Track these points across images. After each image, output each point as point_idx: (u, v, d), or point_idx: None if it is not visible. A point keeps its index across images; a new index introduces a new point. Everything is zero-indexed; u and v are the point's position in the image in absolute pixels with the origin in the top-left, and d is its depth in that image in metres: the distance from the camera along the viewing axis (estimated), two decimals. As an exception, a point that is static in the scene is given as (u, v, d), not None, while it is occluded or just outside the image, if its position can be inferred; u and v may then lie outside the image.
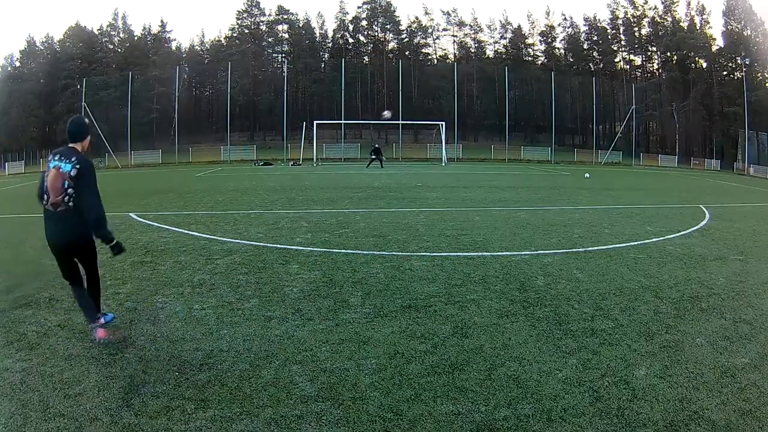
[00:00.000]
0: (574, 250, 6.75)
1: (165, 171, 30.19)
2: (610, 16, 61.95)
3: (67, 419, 2.61)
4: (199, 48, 66.94)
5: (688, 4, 56.39)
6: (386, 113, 35.20)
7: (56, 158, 3.43)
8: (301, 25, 64.53)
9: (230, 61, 49.47)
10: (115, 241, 3.53)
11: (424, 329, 3.88)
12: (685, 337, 3.76)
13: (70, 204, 3.39)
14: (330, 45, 65.63)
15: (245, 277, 5.28)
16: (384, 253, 6.45)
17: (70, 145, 3.53)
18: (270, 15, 63.75)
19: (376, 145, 31.82)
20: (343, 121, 46.15)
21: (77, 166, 3.38)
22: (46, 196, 3.42)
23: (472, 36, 65.10)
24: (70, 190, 3.37)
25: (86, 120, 3.79)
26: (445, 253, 6.46)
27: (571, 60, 63.78)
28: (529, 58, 64.52)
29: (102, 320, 3.71)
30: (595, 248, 6.85)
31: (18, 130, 49.31)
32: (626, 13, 61.04)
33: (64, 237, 3.49)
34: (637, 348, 3.56)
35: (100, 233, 3.47)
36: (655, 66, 60.04)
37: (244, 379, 3.07)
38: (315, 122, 36.78)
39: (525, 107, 58.99)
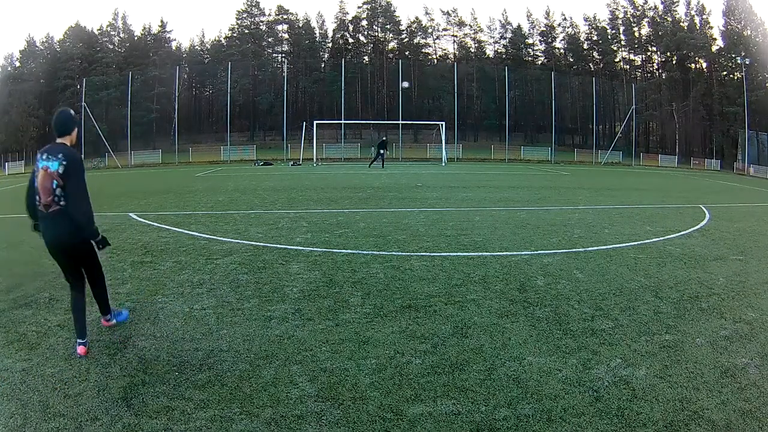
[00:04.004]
0: (574, 250, 6.75)
1: (165, 171, 30.17)
2: (610, 16, 62.01)
3: (67, 419, 2.61)
4: (199, 48, 66.98)
5: (688, 4, 56.30)
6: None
7: (44, 157, 3.34)
8: (301, 25, 64.57)
9: (230, 61, 49.46)
10: (100, 236, 3.45)
11: (424, 329, 3.88)
12: (685, 337, 3.76)
13: (62, 203, 3.31)
14: (330, 45, 65.66)
15: (245, 277, 5.28)
16: (384, 253, 6.44)
17: (58, 140, 3.44)
18: (270, 15, 63.89)
19: (384, 138, 30.27)
20: (343, 121, 46.14)
21: (64, 163, 3.29)
22: (38, 198, 3.35)
23: (472, 36, 65.18)
24: (58, 190, 3.29)
25: (72, 112, 3.65)
26: (445, 253, 6.46)
27: (571, 60, 63.77)
28: (529, 58, 64.49)
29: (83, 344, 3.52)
30: (595, 248, 6.85)
31: (18, 130, 49.23)
32: (626, 13, 61.06)
33: (60, 239, 3.40)
34: (637, 348, 3.56)
35: (86, 232, 3.38)
36: (655, 66, 60.04)
37: (244, 379, 3.07)
38: (315, 122, 36.72)
39: (525, 107, 58.99)
